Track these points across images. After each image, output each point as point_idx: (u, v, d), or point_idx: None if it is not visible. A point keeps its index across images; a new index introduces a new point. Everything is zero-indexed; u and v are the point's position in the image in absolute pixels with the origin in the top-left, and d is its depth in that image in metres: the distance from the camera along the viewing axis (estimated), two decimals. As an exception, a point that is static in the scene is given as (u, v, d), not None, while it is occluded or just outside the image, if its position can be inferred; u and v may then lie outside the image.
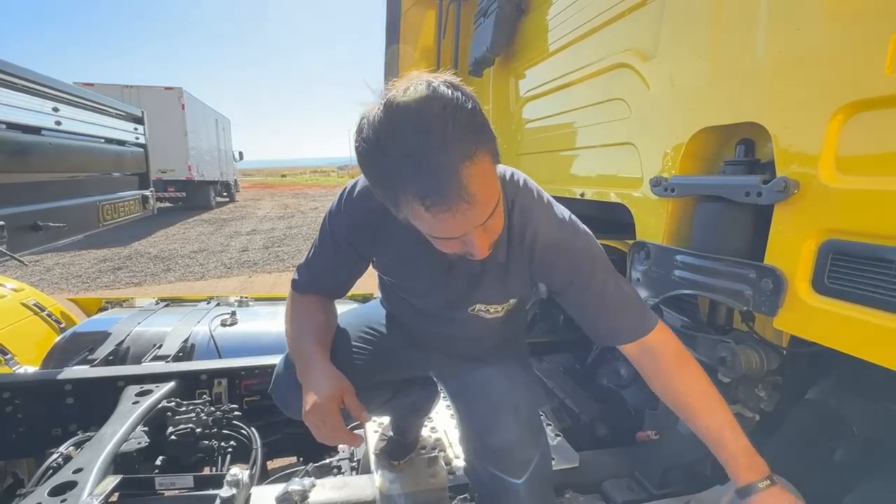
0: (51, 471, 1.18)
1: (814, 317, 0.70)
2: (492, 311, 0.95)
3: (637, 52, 1.10)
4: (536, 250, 0.84)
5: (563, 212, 0.87)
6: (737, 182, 0.80)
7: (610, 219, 1.33)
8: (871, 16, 0.62)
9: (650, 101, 1.06)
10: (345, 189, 0.91)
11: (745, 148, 0.85)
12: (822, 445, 0.96)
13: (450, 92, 0.62)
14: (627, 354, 0.86)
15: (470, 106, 0.63)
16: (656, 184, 0.98)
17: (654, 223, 1.04)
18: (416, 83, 0.62)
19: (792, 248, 0.72)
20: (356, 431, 1.51)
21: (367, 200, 0.85)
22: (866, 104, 0.63)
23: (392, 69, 2.38)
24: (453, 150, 0.60)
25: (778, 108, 0.75)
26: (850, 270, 0.65)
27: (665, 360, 0.82)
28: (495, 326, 1.03)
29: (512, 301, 0.96)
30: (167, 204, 13.44)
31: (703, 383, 0.81)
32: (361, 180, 0.87)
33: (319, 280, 0.98)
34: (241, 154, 19.11)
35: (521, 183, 0.86)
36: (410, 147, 0.60)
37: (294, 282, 0.99)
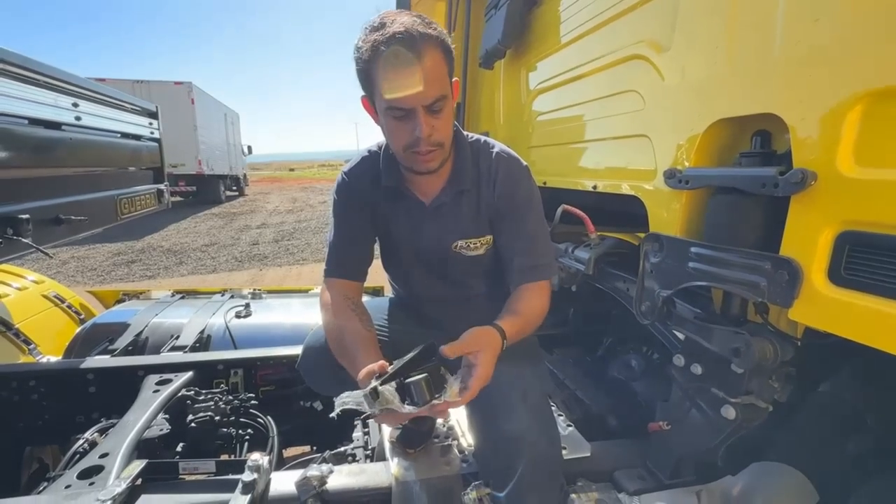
0: (77, 456, 1.23)
1: (830, 308, 0.70)
2: (472, 246, 1.08)
3: (651, 44, 1.10)
4: (499, 177, 1.04)
5: (522, 160, 1.09)
6: (753, 174, 0.80)
7: (623, 211, 1.33)
8: (890, 3, 0.62)
9: (665, 92, 1.05)
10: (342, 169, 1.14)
11: (761, 139, 0.84)
12: (836, 437, 0.97)
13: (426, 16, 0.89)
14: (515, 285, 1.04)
15: (435, 24, 0.87)
16: (670, 176, 0.98)
17: (668, 215, 1.04)
18: None
19: (808, 239, 0.72)
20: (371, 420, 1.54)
21: (359, 163, 1.10)
22: (885, 94, 0.63)
23: None
24: (415, 31, 0.83)
25: (795, 99, 0.74)
26: (868, 261, 0.65)
27: (540, 298, 1.02)
28: (484, 272, 1.13)
29: (488, 237, 1.09)
30: (178, 198, 13.59)
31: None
32: (353, 158, 1.12)
33: (342, 256, 1.09)
34: (249, 148, 19.21)
35: (486, 139, 1.10)
36: (385, 24, 0.84)
37: (325, 272, 1.09)
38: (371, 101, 0.93)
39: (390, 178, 1.05)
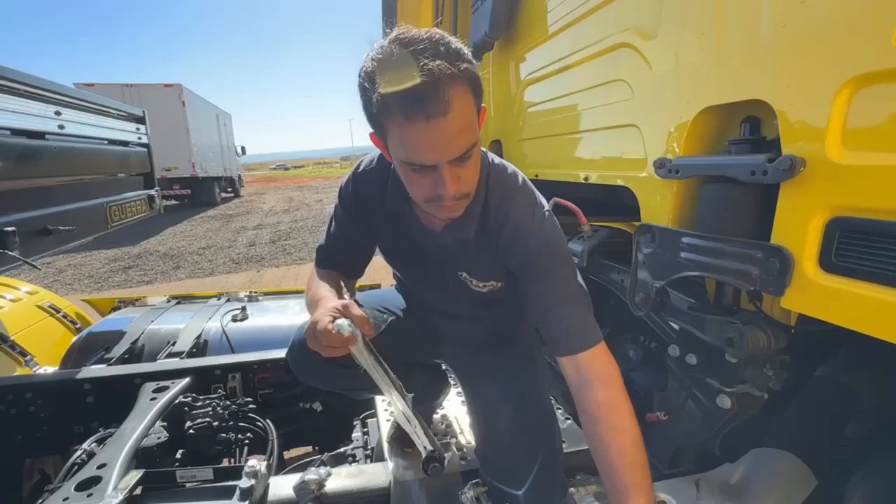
0: (76, 467, 1.22)
1: (821, 295, 0.69)
2: (474, 283, 1.00)
3: (638, 31, 1.08)
4: (503, 232, 0.89)
5: (541, 203, 0.91)
6: (742, 161, 0.79)
7: (615, 202, 1.32)
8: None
9: (652, 81, 1.04)
10: (354, 167, 1.03)
11: (749, 126, 0.83)
12: (833, 422, 0.97)
13: (448, 36, 0.70)
14: (566, 370, 0.83)
15: (463, 50, 0.71)
16: (660, 165, 0.97)
17: (659, 205, 1.03)
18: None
19: (798, 226, 0.72)
20: (369, 421, 1.54)
21: (370, 171, 0.97)
22: (873, 77, 0.62)
23: None
24: (441, 66, 0.65)
25: (783, 84, 0.73)
26: (858, 247, 0.64)
27: (608, 387, 0.80)
28: (489, 302, 1.05)
29: (494, 283, 0.99)
30: (173, 202, 13.54)
31: (634, 437, 0.78)
32: (367, 158, 0.99)
33: (336, 253, 1.04)
34: (243, 149, 19.12)
35: (508, 170, 0.93)
36: (403, 61, 0.66)
37: (316, 260, 1.06)
38: (381, 140, 0.78)
39: (395, 201, 0.93)
